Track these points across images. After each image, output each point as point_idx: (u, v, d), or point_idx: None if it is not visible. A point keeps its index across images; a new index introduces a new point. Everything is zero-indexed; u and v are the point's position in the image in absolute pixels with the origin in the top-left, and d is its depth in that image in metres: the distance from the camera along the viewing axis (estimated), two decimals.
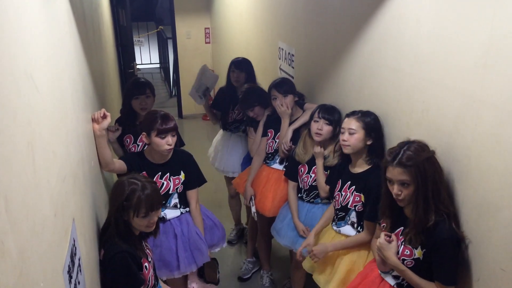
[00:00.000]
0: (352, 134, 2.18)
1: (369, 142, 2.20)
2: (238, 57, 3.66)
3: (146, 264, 1.94)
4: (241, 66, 3.52)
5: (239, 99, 3.22)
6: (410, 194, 1.71)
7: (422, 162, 1.67)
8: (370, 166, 2.22)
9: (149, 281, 1.95)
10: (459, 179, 1.69)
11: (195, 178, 2.56)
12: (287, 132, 2.83)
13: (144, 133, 2.35)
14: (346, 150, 2.23)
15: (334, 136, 2.53)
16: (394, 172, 1.71)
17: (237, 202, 3.90)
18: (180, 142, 2.98)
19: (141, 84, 2.88)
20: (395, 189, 1.73)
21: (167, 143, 2.32)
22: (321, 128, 2.50)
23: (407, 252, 1.78)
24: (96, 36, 3.24)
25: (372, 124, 2.19)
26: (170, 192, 2.46)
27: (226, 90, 3.66)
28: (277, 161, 3.01)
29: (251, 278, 3.53)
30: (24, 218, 0.89)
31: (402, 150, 1.71)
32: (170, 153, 2.40)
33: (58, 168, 1.26)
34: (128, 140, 2.83)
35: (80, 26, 2.24)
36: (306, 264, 2.52)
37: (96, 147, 2.20)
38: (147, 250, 2.04)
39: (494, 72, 1.45)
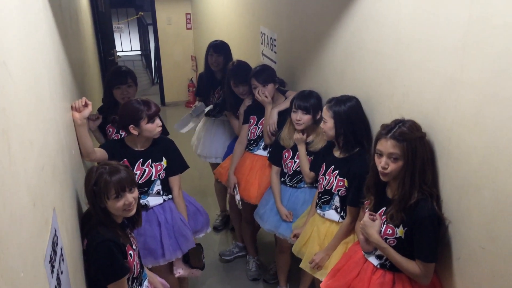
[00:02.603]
0: (325, 123, 2.23)
1: (341, 130, 2.19)
2: (215, 40, 3.61)
3: (130, 252, 1.93)
4: (219, 49, 3.47)
5: (233, 72, 3.11)
6: (396, 169, 1.73)
7: (415, 139, 1.69)
8: (353, 152, 2.22)
9: (134, 269, 1.94)
10: (440, 160, 1.71)
11: (177, 164, 2.55)
12: (272, 114, 2.82)
13: (131, 126, 2.32)
14: (325, 138, 2.33)
15: (317, 121, 2.53)
16: (387, 145, 1.73)
17: (223, 187, 3.89)
18: (164, 131, 2.96)
19: (122, 73, 2.82)
20: (382, 162, 1.75)
21: (157, 125, 2.36)
22: (299, 118, 2.51)
23: (389, 231, 1.81)
24: (73, 23, 3.17)
25: (343, 113, 2.17)
26: (152, 178, 2.44)
27: (205, 75, 3.62)
28: (261, 147, 3.00)
29: (237, 264, 3.55)
30: (1, 208, 0.87)
31: (397, 125, 1.74)
32: (159, 135, 2.42)
33: (36, 157, 1.23)
34: (111, 130, 2.79)
35: (56, 12, 2.18)
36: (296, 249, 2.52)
37: (77, 137, 2.17)
38: (131, 238, 2.03)
39: (473, 53, 1.46)
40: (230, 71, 3.12)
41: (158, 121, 2.37)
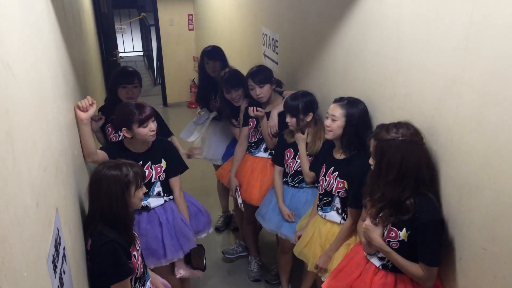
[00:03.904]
0: (334, 121, 2.20)
1: (349, 131, 2.20)
2: (207, 47, 3.58)
3: (134, 253, 1.94)
4: (214, 55, 3.46)
5: (224, 79, 3.11)
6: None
7: (387, 141, 1.74)
8: (353, 153, 2.22)
9: (137, 270, 1.95)
10: (441, 160, 1.72)
11: (176, 165, 2.56)
12: (272, 116, 2.83)
13: (124, 128, 2.33)
14: (328, 136, 2.26)
15: (313, 123, 2.56)
16: (371, 143, 1.83)
17: (225, 188, 3.88)
18: (167, 132, 2.98)
19: (129, 73, 2.85)
20: (370, 159, 1.85)
21: (150, 130, 2.33)
22: (288, 121, 2.56)
23: (392, 234, 1.81)
24: (76, 24, 3.18)
25: (355, 114, 2.17)
26: (152, 180, 2.44)
27: (203, 81, 3.61)
28: (262, 149, 3.00)
29: (239, 264, 3.55)
30: (4, 208, 0.88)
31: (385, 127, 1.79)
32: (154, 137, 2.40)
33: (39, 158, 1.24)
34: (110, 129, 2.80)
35: (59, 13, 2.19)
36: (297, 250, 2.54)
37: (80, 137, 2.18)
38: (135, 239, 2.03)
39: (474, 54, 1.47)
40: (221, 80, 3.12)
41: (151, 125, 2.33)
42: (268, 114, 2.87)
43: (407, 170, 1.70)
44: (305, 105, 2.52)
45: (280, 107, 2.84)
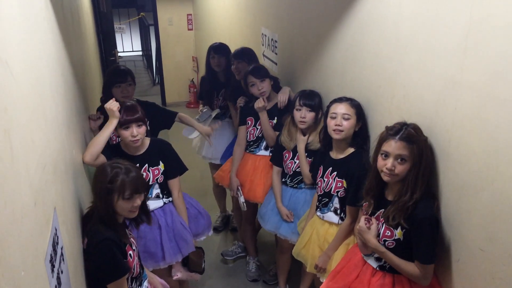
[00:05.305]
0: (347, 120, 2.17)
1: (357, 128, 2.21)
2: (215, 42, 3.66)
3: (130, 252, 1.93)
4: (221, 50, 3.52)
5: (234, 52, 3.27)
6: (403, 171, 1.72)
7: (422, 142, 1.71)
8: (351, 152, 2.23)
9: (134, 269, 1.94)
10: (440, 161, 1.72)
11: (175, 167, 2.53)
12: (283, 90, 2.92)
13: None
14: (339, 136, 2.19)
15: (317, 121, 2.54)
16: (396, 146, 1.72)
17: (222, 189, 3.89)
18: (171, 115, 3.03)
19: (122, 72, 2.83)
20: (389, 164, 1.73)
21: (131, 134, 2.28)
22: (304, 116, 2.51)
23: (388, 233, 1.81)
24: (75, 23, 3.17)
25: (361, 110, 2.21)
26: (150, 183, 2.42)
27: (207, 78, 3.64)
28: (263, 147, 3.01)
29: (237, 265, 3.55)
30: (2, 206, 0.87)
31: (403, 127, 1.74)
32: (138, 144, 2.34)
33: (38, 156, 1.24)
34: None
35: (58, 12, 2.19)
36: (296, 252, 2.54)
37: (100, 132, 2.26)
38: (131, 239, 2.03)
39: (473, 55, 1.47)
40: (235, 51, 3.33)
41: (133, 130, 2.28)
42: (268, 112, 2.88)
43: (430, 168, 1.72)
44: (320, 101, 2.56)
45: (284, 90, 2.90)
